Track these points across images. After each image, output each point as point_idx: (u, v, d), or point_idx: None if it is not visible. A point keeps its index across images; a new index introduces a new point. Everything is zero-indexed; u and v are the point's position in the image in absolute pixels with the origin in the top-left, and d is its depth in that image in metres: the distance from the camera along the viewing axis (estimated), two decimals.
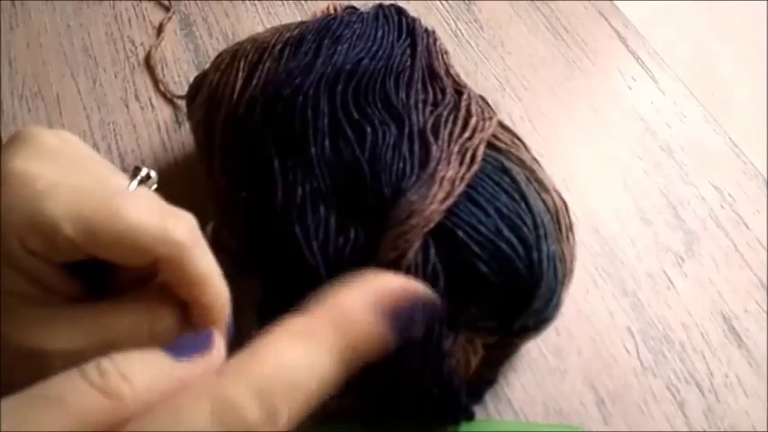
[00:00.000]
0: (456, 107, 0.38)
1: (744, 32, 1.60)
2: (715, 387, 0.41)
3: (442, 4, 0.60)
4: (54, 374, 0.20)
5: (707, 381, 0.41)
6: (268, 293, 0.37)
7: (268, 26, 0.55)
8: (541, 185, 0.37)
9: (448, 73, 0.42)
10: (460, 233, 0.33)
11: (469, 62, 0.56)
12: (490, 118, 0.39)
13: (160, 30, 0.57)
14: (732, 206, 0.48)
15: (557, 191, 0.38)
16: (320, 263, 0.33)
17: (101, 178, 0.28)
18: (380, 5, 0.44)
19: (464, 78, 0.43)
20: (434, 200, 0.33)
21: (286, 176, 0.36)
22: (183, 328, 0.27)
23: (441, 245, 0.33)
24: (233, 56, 0.42)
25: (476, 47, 0.57)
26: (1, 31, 0.56)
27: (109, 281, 0.29)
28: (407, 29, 0.43)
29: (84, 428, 0.18)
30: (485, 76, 0.55)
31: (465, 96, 0.39)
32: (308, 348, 0.20)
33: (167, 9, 0.58)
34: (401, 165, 0.35)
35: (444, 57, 0.43)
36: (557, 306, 0.36)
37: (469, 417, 0.37)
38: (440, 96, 0.39)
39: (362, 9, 0.45)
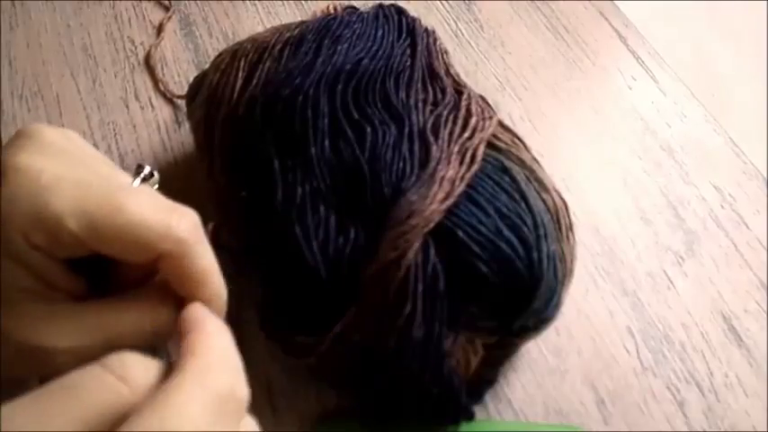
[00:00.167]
0: (456, 107, 0.38)
1: (744, 32, 1.60)
2: (715, 387, 0.41)
3: (442, 4, 0.60)
4: (55, 370, 0.20)
5: (707, 381, 0.41)
6: (268, 293, 0.37)
7: (268, 26, 0.55)
8: (541, 185, 0.37)
9: (448, 73, 0.42)
10: (460, 233, 0.33)
11: (469, 62, 0.56)
12: (490, 118, 0.39)
13: (160, 29, 0.57)
14: (732, 206, 0.48)
15: (557, 191, 0.38)
16: (320, 263, 0.33)
17: (104, 175, 0.28)
18: (380, 5, 0.44)
19: (464, 78, 0.43)
20: (434, 200, 0.33)
21: (286, 176, 0.36)
22: None
23: (441, 245, 0.33)
24: (233, 56, 0.42)
25: (476, 47, 0.57)
26: (1, 31, 0.56)
27: (110, 278, 0.29)
28: (407, 29, 0.43)
29: (97, 413, 0.19)
30: (485, 76, 0.55)
31: (465, 96, 0.39)
32: None
33: (167, 9, 0.58)
34: (401, 165, 0.35)
35: (444, 57, 0.43)
36: (557, 306, 0.36)
37: (469, 417, 0.37)
38: (440, 96, 0.39)
39: (362, 9, 0.45)
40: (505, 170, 0.36)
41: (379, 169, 0.35)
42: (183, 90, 0.49)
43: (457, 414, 0.37)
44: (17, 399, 0.19)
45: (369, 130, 0.36)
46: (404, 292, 0.32)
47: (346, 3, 0.47)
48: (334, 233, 0.34)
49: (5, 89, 0.53)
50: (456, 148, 0.35)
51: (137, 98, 0.53)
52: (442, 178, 0.34)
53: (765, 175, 0.50)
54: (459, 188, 0.34)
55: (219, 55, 0.44)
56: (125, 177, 0.30)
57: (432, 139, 0.36)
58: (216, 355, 0.22)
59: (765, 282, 0.45)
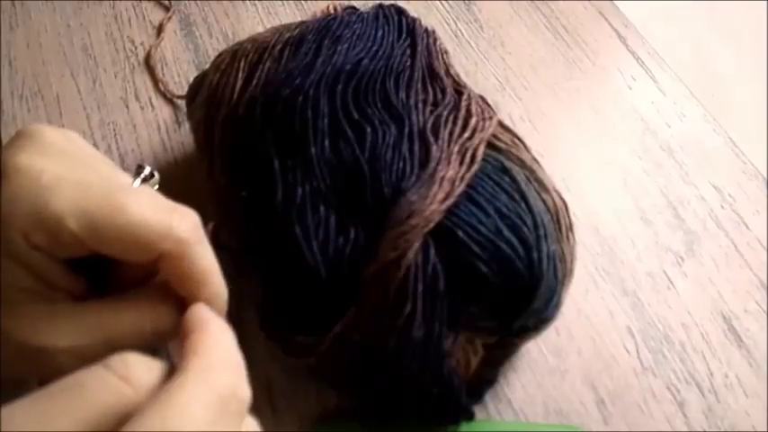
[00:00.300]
0: (456, 107, 0.38)
1: (744, 32, 1.61)
2: (715, 387, 0.41)
3: (442, 4, 0.60)
4: (55, 371, 0.20)
5: (707, 381, 0.41)
6: (268, 293, 0.37)
7: (268, 26, 0.55)
8: (541, 185, 0.37)
9: (448, 73, 0.42)
10: (460, 233, 0.33)
11: (469, 62, 0.56)
12: (490, 118, 0.39)
13: (160, 30, 0.57)
14: (732, 206, 0.48)
15: (557, 191, 0.38)
16: (320, 263, 0.33)
17: (104, 175, 0.28)
18: (380, 5, 0.44)
19: (464, 78, 0.43)
20: (434, 200, 0.33)
21: (286, 176, 0.36)
22: None
23: (441, 245, 0.33)
24: (233, 56, 0.42)
25: (476, 47, 0.57)
26: (1, 31, 0.56)
27: (110, 278, 0.29)
28: (407, 29, 0.43)
29: (100, 414, 0.19)
30: (485, 76, 0.55)
31: (465, 96, 0.39)
32: None
33: (167, 9, 0.58)
34: (401, 165, 0.35)
35: (444, 57, 0.43)
36: (557, 306, 0.36)
37: (469, 417, 0.37)
38: (440, 96, 0.39)
39: (362, 9, 0.45)
40: (505, 170, 0.36)
41: (379, 169, 0.35)
42: (183, 90, 0.49)
43: (457, 414, 0.37)
44: (18, 399, 0.19)
45: (369, 130, 0.36)
46: (404, 292, 0.32)
47: (346, 3, 0.47)
48: (334, 233, 0.34)
49: (5, 89, 0.53)
50: (456, 149, 0.35)
51: (137, 98, 0.53)
52: (442, 178, 0.34)
53: (765, 175, 0.50)
54: (460, 188, 0.34)
55: (219, 55, 0.44)
56: (125, 177, 0.30)
57: (432, 139, 0.36)
58: (218, 356, 0.22)
59: (765, 282, 0.45)
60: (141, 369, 0.21)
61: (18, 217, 0.25)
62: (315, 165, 0.36)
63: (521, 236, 0.34)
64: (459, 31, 0.58)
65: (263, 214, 0.36)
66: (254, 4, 0.59)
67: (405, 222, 0.32)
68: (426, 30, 0.44)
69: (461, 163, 0.35)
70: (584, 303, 0.43)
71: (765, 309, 0.44)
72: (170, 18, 0.57)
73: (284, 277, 0.35)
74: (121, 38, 0.57)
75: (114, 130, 0.51)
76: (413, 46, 0.42)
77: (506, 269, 0.33)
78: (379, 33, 0.41)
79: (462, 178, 0.34)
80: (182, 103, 0.50)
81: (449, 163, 0.35)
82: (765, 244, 0.47)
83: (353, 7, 0.46)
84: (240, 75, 0.40)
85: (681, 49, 1.53)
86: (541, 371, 0.41)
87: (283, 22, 0.46)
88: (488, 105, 0.42)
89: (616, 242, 0.46)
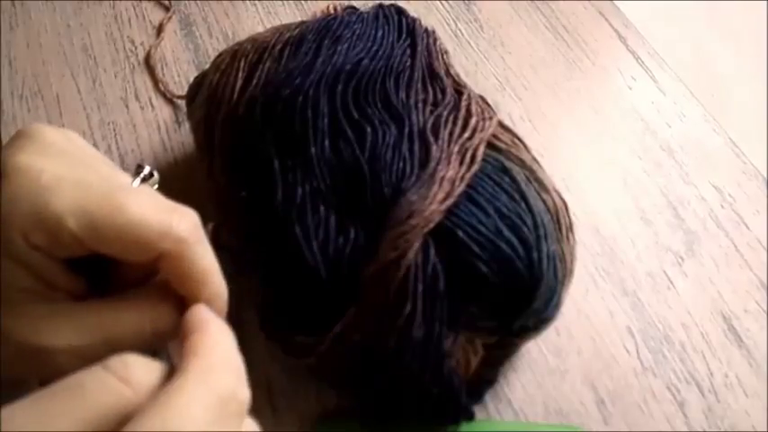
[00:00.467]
0: (456, 107, 0.38)
1: (744, 32, 1.61)
2: (715, 387, 0.41)
3: (442, 4, 0.60)
4: (55, 370, 0.20)
5: (707, 381, 0.41)
6: (268, 293, 0.37)
7: (268, 26, 0.55)
8: (541, 185, 0.37)
9: (448, 73, 0.42)
10: (460, 233, 0.33)
11: (469, 62, 0.56)
12: (490, 118, 0.39)
13: (160, 30, 0.57)
14: (732, 206, 0.48)
15: (557, 191, 0.38)
16: (320, 263, 0.33)
17: (104, 175, 0.28)
18: (380, 5, 0.44)
19: (464, 78, 0.43)
20: (434, 200, 0.33)
21: (286, 176, 0.36)
22: None
23: (441, 245, 0.33)
24: (233, 56, 0.42)
25: (476, 47, 0.57)
26: (1, 31, 0.56)
27: (110, 278, 0.29)
28: (407, 29, 0.43)
29: (100, 415, 0.19)
30: (485, 76, 0.55)
31: (465, 96, 0.39)
32: None
33: (167, 9, 0.58)
34: (401, 165, 0.35)
35: (444, 57, 0.43)
36: (557, 306, 0.36)
37: (469, 417, 0.37)
38: (440, 96, 0.39)
39: (362, 9, 0.45)
40: (505, 170, 0.36)
41: (379, 169, 0.35)
42: (183, 90, 0.49)
43: (457, 414, 0.37)
44: (18, 399, 0.19)
45: (369, 130, 0.36)
46: (404, 292, 0.32)
47: (346, 3, 0.47)
48: (334, 233, 0.34)
49: (5, 89, 0.53)
50: (456, 149, 0.35)
51: (137, 98, 0.53)
52: (442, 178, 0.34)
53: (765, 175, 0.50)
54: (460, 188, 0.34)
55: (219, 55, 0.44)
56: (125, 177, 0.30)
57: (432, 139, 0.36)
58: (218, 357, 0.22)
59: (765, 282, 0.45)
60: (141, 370, 0.21)
61: (18, 217, 0.25)
62: (315, 165, 0.36)
63: (521, 236, 0.34)
64: (459, 31, 0.58)
65: (263, 214, 0.36)
66: (254, 4, 0.59)
67: (405, 222, 0.32)
68: (426, 30, 0.44)
69: (461, 163, 0.35)
70: (584, 303, 0.43)
71: (765, 309, 0.44)
72: (170, 18, 0.57)
73: (284, 277, 0.35)
74: (121, 38, 0.57)
75: (114, 130, 0.51)
76: (413, 46, 0.42)
77: (506, 269, 0.33)
78: (379, 33, 0.41)
79: (462, 178, 0.34)
80: (182, 103, 0.50)
81: (449, 163, 0.35)
82: (765, 244, 0.47)
83: (353, 7, 0.46)
84: (240, 75, 0.40)
85: (681, 49, 1.53)
86: (541, 371, 0.41)
87: (283, 22, 0.46)
88: (488, 105, 0.42)
89: (616, 242, 0.46)
